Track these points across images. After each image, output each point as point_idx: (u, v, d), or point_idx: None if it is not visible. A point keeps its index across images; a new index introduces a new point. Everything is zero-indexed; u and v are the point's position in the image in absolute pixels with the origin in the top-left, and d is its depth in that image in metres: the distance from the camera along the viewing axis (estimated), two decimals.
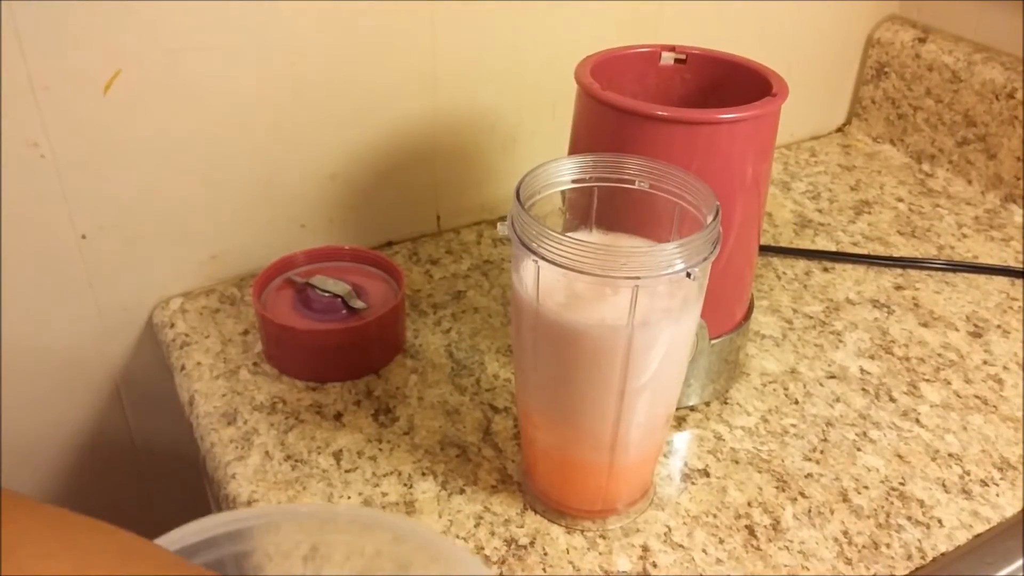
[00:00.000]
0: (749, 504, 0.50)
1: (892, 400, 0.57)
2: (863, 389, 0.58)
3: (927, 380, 0.59)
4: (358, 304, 0.58)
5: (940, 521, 0.49)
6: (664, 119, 0.46)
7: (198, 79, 0.58)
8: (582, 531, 0.48)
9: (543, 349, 0.42)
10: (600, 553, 0.47)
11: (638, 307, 0.38)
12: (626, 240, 0.45)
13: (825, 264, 0.72)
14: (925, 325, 0.65)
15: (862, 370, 0.60)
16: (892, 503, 0.50)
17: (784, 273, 0.70)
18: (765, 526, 0.48)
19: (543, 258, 0.38)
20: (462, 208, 0.74)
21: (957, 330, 0.64)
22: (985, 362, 0.61)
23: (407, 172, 0.70)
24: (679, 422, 0.55)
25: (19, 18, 0.51)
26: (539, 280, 0.40)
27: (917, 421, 0.56)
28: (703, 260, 0.38)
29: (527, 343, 0.43)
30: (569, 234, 0.45)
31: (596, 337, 0.40)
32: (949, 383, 0.59)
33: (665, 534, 0.48)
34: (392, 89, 0.65)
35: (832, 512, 0.49)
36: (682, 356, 0.44)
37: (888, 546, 0.47)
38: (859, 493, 0.51)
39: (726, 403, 0.57)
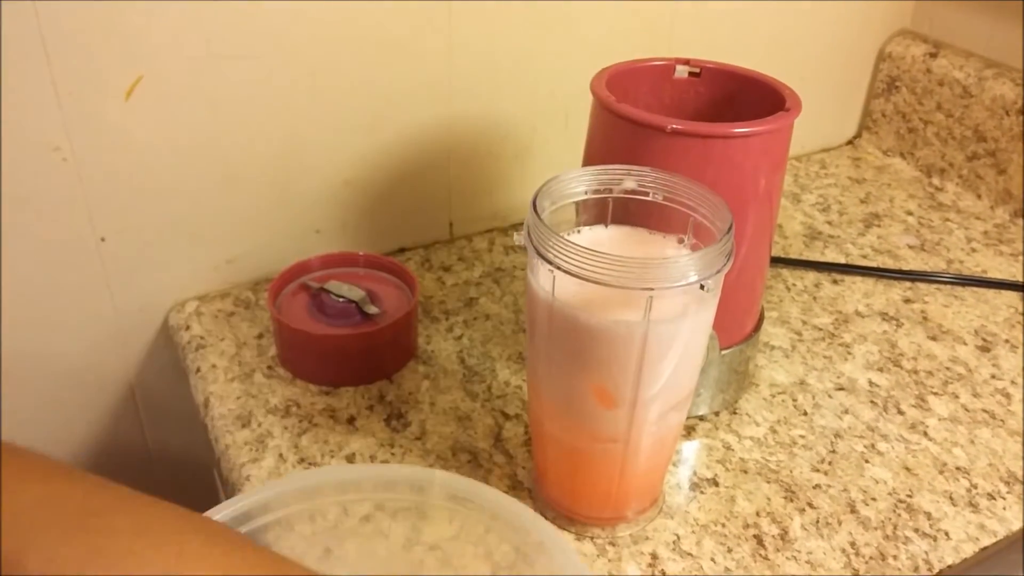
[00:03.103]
0: (757, 514, 0.50)
1: (900, 413, 0.58)
2: (871, 401, 0.59)
3: (935, 393, 0.60)
4: (372, 310, 0.59)
5: (947, 534, 0.49)
6: (679, 132, 0.46)
7: (217, 85, 0.59)
8: (592, 538, 0.48)
9: (557, 350, 0.42)
10: (609, 560, 0.47)
11: (652, 317, 0.39)
12: (642, 236, 0.45)
13: (835, 276, 0.72)
14: (934, 338, 0.65)
15: (871, 382, 0.60)
16: (899, 515, 0.50)
17: (794, 285, 0.71)
18: (773, 536, 0.49)
19: (559, 268, 0.38)
20: (475, 216, 0.75)
21: (965, 344, 0.65)
22: (993, 376, 0.61)
23: (421, 179, 0.70)
24: (688, 431, 0.56)
25: (44, 24, 0.52)
26: (555, 282, 0.40)
27: (925, 434, 0.56)
28: (716, 272, 0.39)
29: (541, 344, 0.43)
30: (586, 228, 0.45)
31: (610, 337, 0.40)
32: (957, 397, 0.59)
33: (674, 542, 0.48)
34: (407, 97, 0.66)
35: (840, 523, 0.50)
36: (694, 366, 0.44)
37: (895, 557, 0.48)
38: (867, 505, 0.51)
39: (735, 413, 0.57)
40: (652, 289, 0.38)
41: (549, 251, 0.39)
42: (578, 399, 0.43)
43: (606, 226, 0.46)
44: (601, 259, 0.37)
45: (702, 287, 0.38)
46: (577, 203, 0.45)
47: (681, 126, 0.46)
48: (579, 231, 0.46)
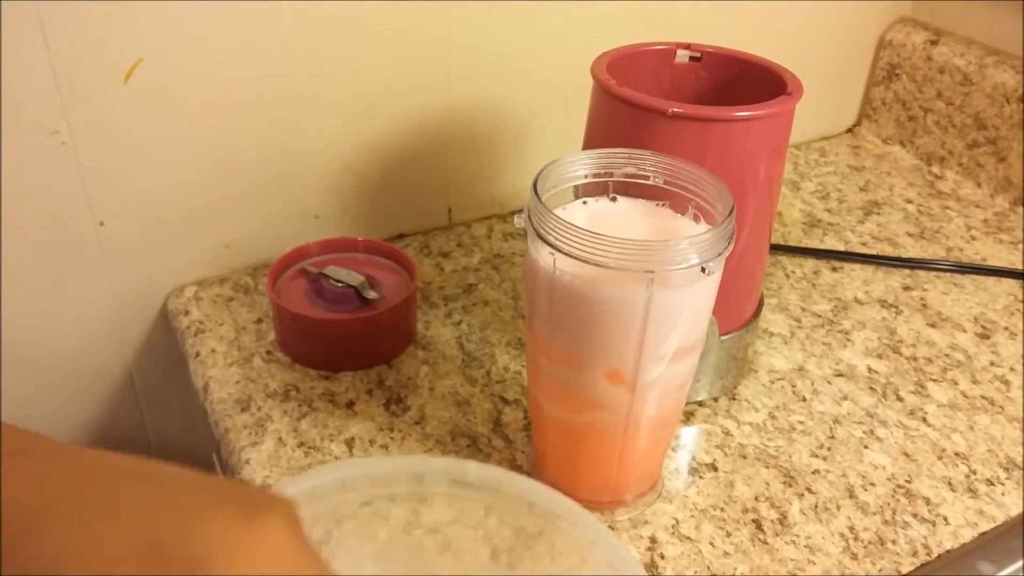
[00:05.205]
0: (756, 498, 0.50)
1: (899, 399, 0.58)
2: (871, 388, 0.59)
3: (934, 380, 0.60)
4: (371, 295, 0.58)
5: (946, 519, 0.49)
6: (679, 115, 0.46)
7: (217, 69, 0.58)
8: None
9: (556, 332, 0.42)
10: None
11: (652, 299, 0.39)
12: (645, 207, 0.45)
13: (834, 264, 0.72)
14: (933, 326, 0.65)
15: (870, 369, 0.60)
16: (898, 500, 0.50)
17: (793, 272, 0.71)
18: (772, 520, 0.49)
19: (559, 251, 0.38)
20: (473, 202, 0.75)
21: (965, 331, 0.65)
22: (992, 363, 0.61)
23: (420, 165, 0.70)
24: (688, 417, 0.56)
25: (43, 6, 0.51)
26: (555, 264, 0.40)
27: (924, 420, 0.56)
28: (718, 255, 0.39)
29: (540, 326, 0.43)
30: (589, 201, 0.44)
31: (610, 322, 0.40)
32: (956, 383, 0.59)
33: (673, 526, 0.48)
34: (406, 82, 0.66)
35: (839, 508, 0.50)
36: (694, 350, 0.44)
37: (894, 542, 0.48)
38: (866, 490, 0.51)
39: (734, 399, 0.57)
40: (653, 272, 0.38)
41: (550, 233, 0.39)
42: (577, 381, 0.43)
43: (608, 196, 0.45)
44: (602, 241, 0.37)
45: (703, 270, 0.38)
46: (577, 187, 0.44)
47: (682, 109, 0.46)
48: (584, 202, 0.45)
